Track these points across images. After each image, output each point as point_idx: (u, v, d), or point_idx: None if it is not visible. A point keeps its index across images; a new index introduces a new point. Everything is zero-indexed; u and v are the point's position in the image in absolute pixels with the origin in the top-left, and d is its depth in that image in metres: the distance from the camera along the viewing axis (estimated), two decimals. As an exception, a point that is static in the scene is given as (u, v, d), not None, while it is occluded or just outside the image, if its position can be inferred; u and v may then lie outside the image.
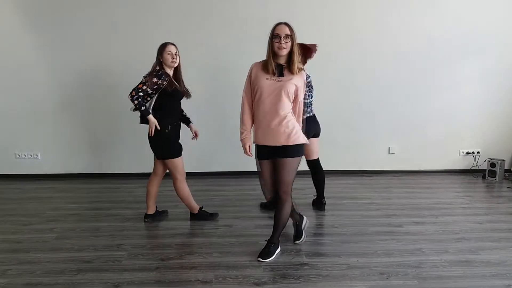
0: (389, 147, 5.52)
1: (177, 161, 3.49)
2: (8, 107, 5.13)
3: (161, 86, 3.33)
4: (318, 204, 4.04)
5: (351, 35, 5.17)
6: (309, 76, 3.64)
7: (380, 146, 5.51)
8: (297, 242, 3.19)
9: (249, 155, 2.95)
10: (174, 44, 3.44)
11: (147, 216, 3.72)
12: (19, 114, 5.15)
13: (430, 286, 2.54)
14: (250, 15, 4.99)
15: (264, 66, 2.78)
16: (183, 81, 3.56)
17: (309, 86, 3.67)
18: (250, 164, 3.27)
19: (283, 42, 2.66)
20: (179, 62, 3.48)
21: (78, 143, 5.27)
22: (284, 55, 2.73)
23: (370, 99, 5.32)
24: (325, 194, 4.04)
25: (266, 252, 2.91)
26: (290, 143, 2.77)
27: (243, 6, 4.99)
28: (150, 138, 3.48)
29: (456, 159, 5.62)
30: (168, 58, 3.38)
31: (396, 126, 5.44)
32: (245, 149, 2.93)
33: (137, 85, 3.34)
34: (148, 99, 3.38)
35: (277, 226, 2.96)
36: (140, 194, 4.53)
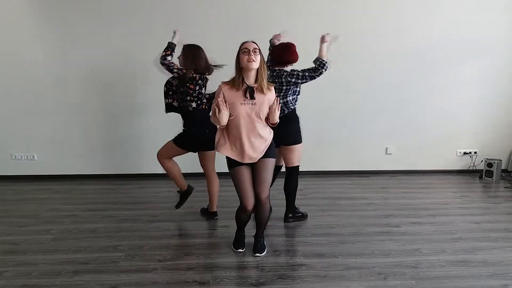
0: (387, 148, 5.52)
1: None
2: (5, 108, 5.11)
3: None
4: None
5: (349, 37, 5.16)
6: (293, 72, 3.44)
7: (377, 146, 5.51)
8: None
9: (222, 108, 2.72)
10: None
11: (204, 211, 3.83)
12: (15, 115, 5.13)
13: (428, 286, 2.54)
14: (251, 16, 5.00)
15: (233, 86, 2.75)
16: None
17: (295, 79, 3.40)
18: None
19: (252, 55, 2.67)
20: None
21: (74, 144, 5.25)
22: (254, 71, 2.73)
23: (367, 100, 5.33)
24: (321, 195, 4.00)
25: (260, 247, 3.04)
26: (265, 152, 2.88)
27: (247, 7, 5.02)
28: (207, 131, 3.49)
29: (453, 159, 5.63)
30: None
31: (394, 127, 5.45)
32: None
33: None
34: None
35: (261, 224, 3.05)
36: (136, 195, 4.53)
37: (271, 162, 2.91)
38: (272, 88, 2.87)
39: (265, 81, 2.78)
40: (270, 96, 2.81)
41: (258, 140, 2.82)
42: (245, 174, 2.86)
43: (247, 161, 2.83)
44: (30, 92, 5.08)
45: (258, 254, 2.99)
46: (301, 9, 5.06)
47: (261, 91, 2.76)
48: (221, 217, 3.79)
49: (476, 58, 5.31)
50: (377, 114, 5.39)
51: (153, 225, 3.65)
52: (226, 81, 2.81)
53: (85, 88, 5.12)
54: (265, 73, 2.79)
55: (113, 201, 4.35)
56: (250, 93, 2.74)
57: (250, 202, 2.84)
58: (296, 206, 3.75)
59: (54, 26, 4.96)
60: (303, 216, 3.77)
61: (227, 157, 2.88)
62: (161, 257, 2.97)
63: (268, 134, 2.89)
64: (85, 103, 5.16)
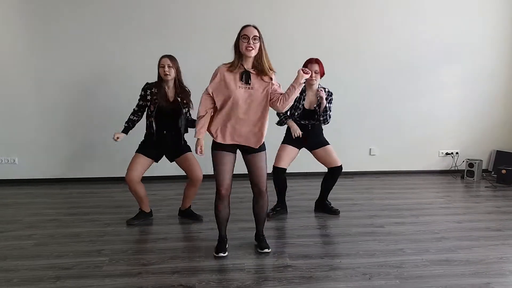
0: (370, 149, 5.58)
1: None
2: (-16, 111, 5.00)
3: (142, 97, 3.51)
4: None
5: (333, 40, 5.22)
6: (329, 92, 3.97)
7: (361, 147, 5.57)
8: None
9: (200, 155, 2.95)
10: (169, 56, 3.43)
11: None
12: (-5, 118, 5.03)
13: (412, 286, 2.56)
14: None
15: (231, 69, 2.77)
16: (183, 95, 3.53)
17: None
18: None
19: (251, 42, 2.68)
20: (175, 75, 3.46)
21: (56, 148, 5.16)
22: (251, 58, 2.75)
23: (351, 101, 5.37)
24: (307, 196, 4.03)
25: (266, 244, 3.08)
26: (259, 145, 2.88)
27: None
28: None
29: (435, 160, 5.72)
30: (160, 71, 3.42)
31: (377, 128, 5.51)
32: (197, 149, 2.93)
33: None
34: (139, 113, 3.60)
35: (262, 218, 3.10)
36: (120, 199, 4.47)
37: (264, 155, 2.93)
38: (273, 75, 2.82)
39: (265, 67, 2.75)
40: (268, 81, 2.78)
41: (249, 129, 2.81)
42: (226, 159, 2.86)
43: (241, 142, 2.83)
44: (11, 95, 4.99)
45: (267, 250, 3.02)
46: (284, 14, 5.08)
47: (259, 76, 2.77)
48: (208, 219, 3.77)
49: (457, 61, 5.44)
50: (361, 115, 5.45)
51: (137, 228, 3.61)
52: (226, 63, 2.82)
53: (66, 91, 5.04)
54: (265, 59, 2.76)
55: (96, 205, 4.29)
56: (245, 77, 2.75)
57: (224, 186, 2.87)
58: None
59: (34, 29, 4.88)
60: (283, 209, 3.93)
61: (213, 140, 2.89)
62: (146, 261, 2.94)
63: (263, 128, 2.85)
64: (67, 106, 5.08)
